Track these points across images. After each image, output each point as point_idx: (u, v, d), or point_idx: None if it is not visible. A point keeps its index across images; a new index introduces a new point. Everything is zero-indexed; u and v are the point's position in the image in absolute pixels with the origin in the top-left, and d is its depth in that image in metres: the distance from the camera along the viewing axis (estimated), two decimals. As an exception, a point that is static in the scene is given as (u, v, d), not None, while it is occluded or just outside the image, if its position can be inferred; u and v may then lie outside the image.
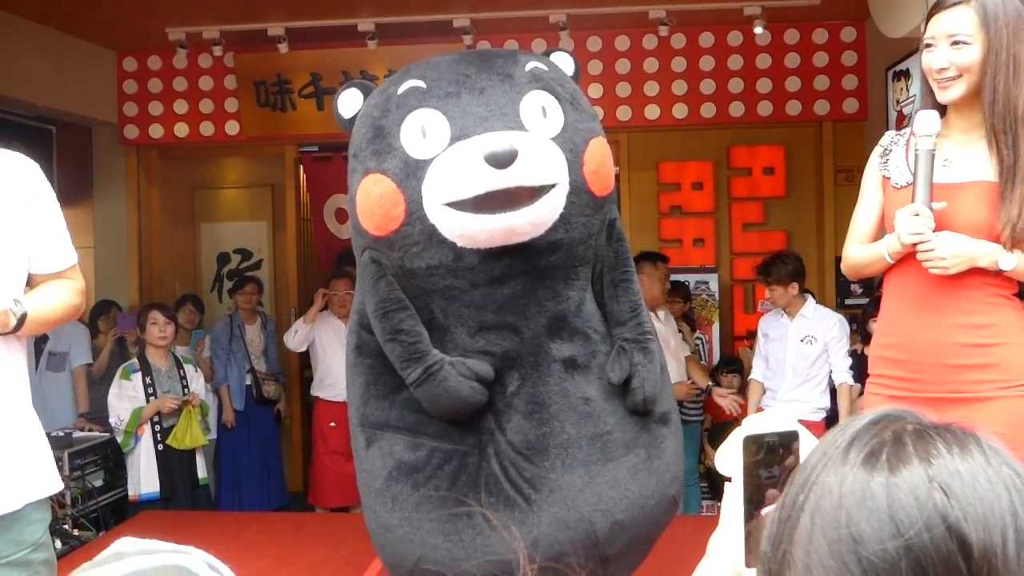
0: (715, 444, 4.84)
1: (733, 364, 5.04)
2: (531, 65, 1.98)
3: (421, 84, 1.94)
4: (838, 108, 5.51)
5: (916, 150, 1.88)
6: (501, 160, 1.74)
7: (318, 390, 5.07)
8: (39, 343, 4.95)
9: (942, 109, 1.96)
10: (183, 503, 4.46)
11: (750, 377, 4.23)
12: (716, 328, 5.55)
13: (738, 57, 5.56)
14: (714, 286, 5.63)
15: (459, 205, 1.80)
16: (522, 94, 1.89)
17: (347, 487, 4.87)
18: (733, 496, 0.85)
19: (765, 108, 5.58)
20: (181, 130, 6.00)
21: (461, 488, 1.95)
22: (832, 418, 3.95)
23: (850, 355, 3.98)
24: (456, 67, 1.96)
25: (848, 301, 5.42)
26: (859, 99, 5.46)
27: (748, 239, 5.66)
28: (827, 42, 5.51)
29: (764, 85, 5.56)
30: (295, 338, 5.03)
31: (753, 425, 0.86)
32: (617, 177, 4.15)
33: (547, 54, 2.18)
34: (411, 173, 1.85)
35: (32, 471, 1.84)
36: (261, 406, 5.45)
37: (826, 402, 3.97)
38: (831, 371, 3.95)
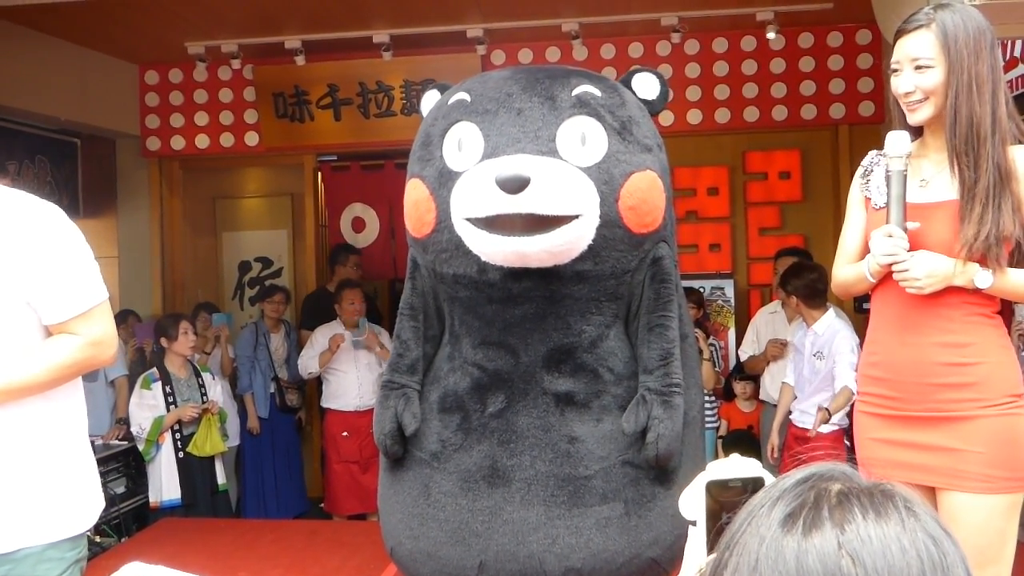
0: (729, 453, 4.83)
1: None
2: (581, 88, 1.90)
3: (467, 97, 1.94)
4: (854, 111, 5.48)
5: (888, 171, 1.88)
6: (510, 186, 1.72)
7: (328, 401, 5.13)
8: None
9: (920, 130, 1.97)
10: (203, 510, 4.53)
11: (784, 380, 4.24)
12: (731, 334, 5.54)
13: (752, 62, 5.55)
14: (730, 291, 5.61)
15: (475, 222, 1.82)
16: (562, 119, 1.84)
17: (361, 495, 4.95)
18: (696, 540, 0.85)
19: (780, 112, 5.56)
20: (202, 141, 6.10)
21: (425, 494, 2.03)
22: (848, 430, 3.94)
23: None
24: (502, 84, 1.93)
25: (867, 305, 5.36)
26: (875, 102, 5.41)
27: (765, 243, 5.63)
28: (842, 45, 5.48)
29: (779, 89, 5.55)
30: (307, 372, 5.13)
31: (717, 470, 0.86)
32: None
33: (634, 73, 2.08)
34: (443, 183, 1.88)
35: (37, 511, 1.75)
36: (283, 414, 5.53)
37: (837, 416, 3.95)
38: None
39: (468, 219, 1.82)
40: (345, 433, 5.02)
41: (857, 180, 2.07)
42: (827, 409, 3.76)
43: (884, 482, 0.66)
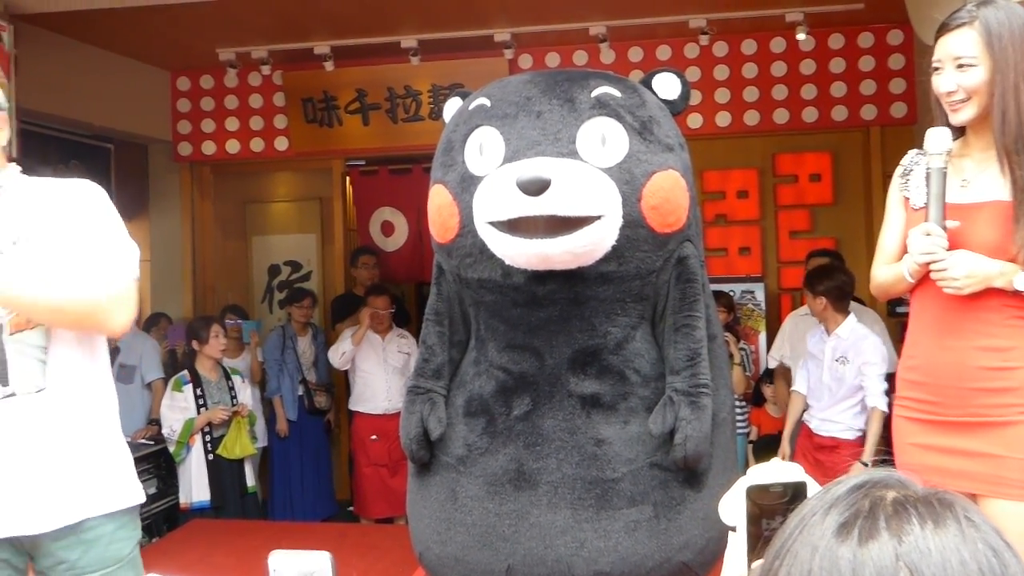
0: (760, 458, 4.78)
1: (779, 375, 4.98)
2: (600, 90, 1.89)
3: (487, 102, 1.94)
4: (886, 112, 5.41)
5: (928, 169, 1.85)
6: (530, 188, 1.72)
7: (357, 404, 5.14)
8: (111, 355, 5.09)
9: (962, 129, 1.93)
10: (233, 511, 4.56)
11: (793, 388, 4.16)
12: (762, 338, 5.48)
13: (781, 63, 5.51)
14: (760, 295, 5.56)
15: (498, 226, 1.82)
16: (581, 120, 1.83)
17: (390, 498, 4.96)
18: (736, 547, 0.83)
19: (810, 114, 5.51)
20: (232, 146, 6.16)
21: (452, 498, 2.03)
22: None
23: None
24: (522, 88, 1.93)
25: (899, 309, 5.30)
26: (907, 103, 5.35)
27: (795, 247, 5.57)
28: (873, 46, 5.42)
29: (809, 91, 5.50)
30: (342, 357, 5.10)
31: (758, 474, 0.84)
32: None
33: (654, 74, 2.08)
34: (465, 188, 1.88)
35: (91, 487, 1.82)
36: (312, 416, 5.56)
37: (861, 423, 3.89)
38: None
39: (490, 223, 1.82)
40: (374, 436, 5.03)
41: (896, 180, 2.04)
42: (864, 463, 3.69)
43: (941, 490, 0.64)
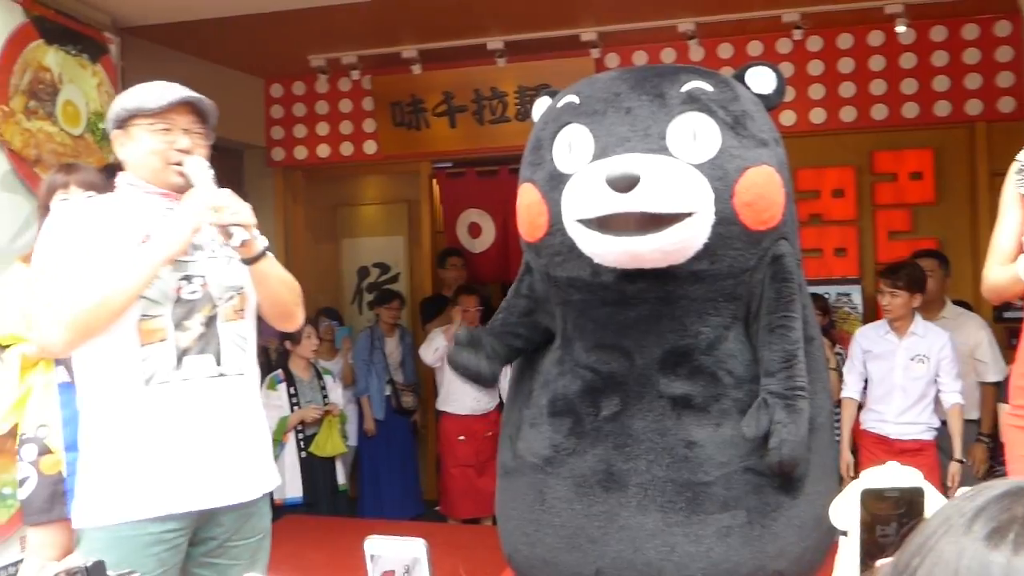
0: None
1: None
2: (691, 85, 1.86)
3: (575, 99, 1.94)
4: (992, 107, 5.16)
5: None
6: (620, 184, 1.70)
7: (444, 404, 5.18)
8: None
9: None
10: (325, 508, 4.65)
11: (843, 395, 4.00)
12: (858, 342, 5.29)
13: (880, 57, 5.31)
14: (857, 298, 5.38)
15: (587, 223, 1.80)
16: (672, 116, 1.81)
17: (477, 499, 4.98)
18: (848, 552, 0.81)
19: (911, 110, 5.30)
20: (323, 151, 6.29)
21: (540, 500, 2.03)
22: (945, 437, 3.77)
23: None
24: (611, 84, 1.92)
25: (1007, 314, 5.05)
26: (1016, 98, 5.09)
27: (895, 248, 5.35)
28: (978, 38, 5.17)
29: (909, 86, 5.28)
30: (435, 354, 5.12)
31: (873, 478, 0.81)
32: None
33: (747, 68, 2.04)
34: (554, 186, 1.88)
35: (267, 464, 2.11)
36: (400, 416, 5.63)
37: (937, 420, 3.75)
38: (939, 390, 3.74)
39: (580, 220, 1.81)
40: (461, 436, 5.06)
41: (1012, 177, 1.94)
42: (960, 460, 3.59)
43: None
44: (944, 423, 3.78)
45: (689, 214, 1.75)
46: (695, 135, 1.79)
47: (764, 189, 1.82)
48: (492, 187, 6.00)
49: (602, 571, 1.91)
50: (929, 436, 3.71)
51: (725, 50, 5.45)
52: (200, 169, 1.99)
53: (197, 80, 6.03)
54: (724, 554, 1.85)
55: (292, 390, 4.69)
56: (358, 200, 6.82)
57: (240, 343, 2.02)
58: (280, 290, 2.07)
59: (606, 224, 1.77)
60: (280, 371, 4.77)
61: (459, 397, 5.07)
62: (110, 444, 1.91)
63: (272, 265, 2.03)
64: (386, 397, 5.55)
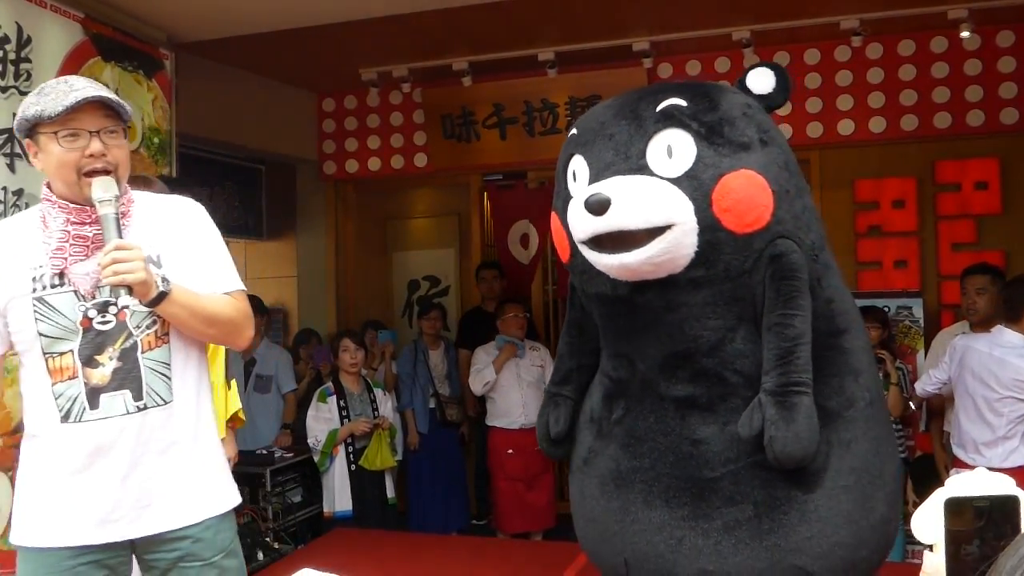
0: (918, 480, 4.47)
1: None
2: (666, 103, 1.94)
3: (576, 131, 2.07)
4: (1062, 114, 4.98)
5: None
6: (594, 208, 1.82)
7: (493, 419, 5.15)
8: (248, 366, 5.34)
9: None
10: (374, 522, 4.64)
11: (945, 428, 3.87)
12: (920, 357, 5.13)
13: (943, 64, 5.16)
14: (918, 311, 5.21)
15: (586, 244, 1.93)
16: (648, 136, 1.90)
17: (526, 513, 4.93)
18: (932, 566, 0.75)
19: (975, 118, 5.13)
20: (374, 164, 6.33)
21: (581, 497, 2.19)
22: None
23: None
24: (600, 113, 2.04)
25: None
26: (1088, 103, 4.91)
27: (959, 260, 5.18)
28: (1047, 42, 5.00)
29: (974, 93, 5.12)
30: (484, 386, 5.10)
31: (959, 486, 0.75)
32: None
33: (748, 71, 2.10)
34: (567, 212, 2.01)
35: (207, 489, 2.04)
36: (445, 429, 5.60)
37: None
38: None
39: (580, 242, 1.95)
40: (510, 451, 5.02)
41: None
42: None
43: None
44: None
45: (668, 227, 1.83)
46: (670, 151, 1.88)
47: (743, 193, 1.87)
48: (543, 198, 5.96)
49: (628, 562, 2.06)
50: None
51: (781, 58, 5.34)
52: (102, 204, 1.84)
53: (250, 95, 6.15)
54: (733, 546, 1.92)
55: (342, 403, 4.69)
56: (409, 213, 6.84)
57: (162, 371, 1.95)
58: (194, 325, 1.95)
59: (599, 243, 1.89)
60: (330, 384, 4.78)
61: (507, 411, 5.04)
62: (31, 474, 1.95)
63: (175, 304, 1.90)
64: (431, 410, 5.53)
